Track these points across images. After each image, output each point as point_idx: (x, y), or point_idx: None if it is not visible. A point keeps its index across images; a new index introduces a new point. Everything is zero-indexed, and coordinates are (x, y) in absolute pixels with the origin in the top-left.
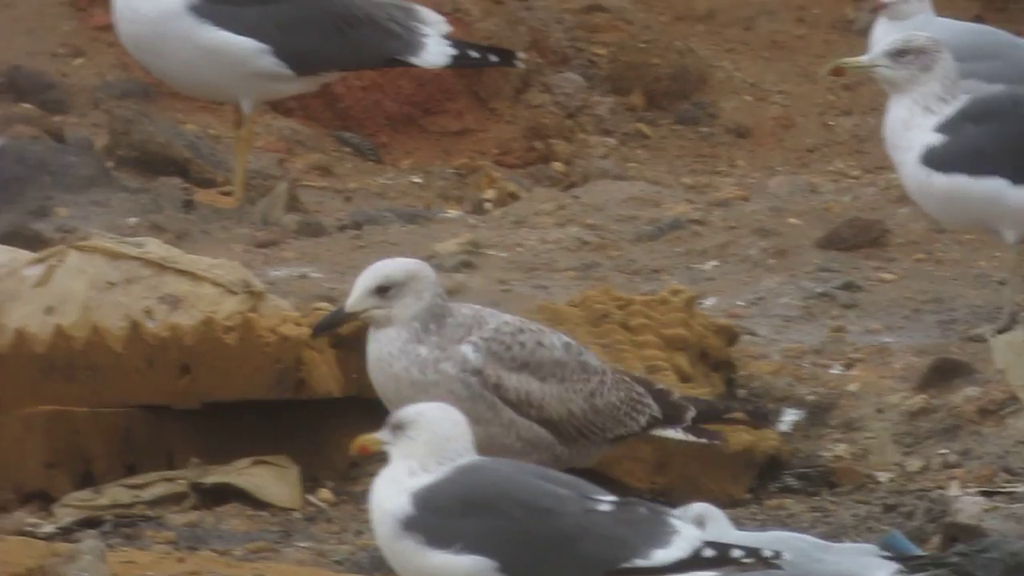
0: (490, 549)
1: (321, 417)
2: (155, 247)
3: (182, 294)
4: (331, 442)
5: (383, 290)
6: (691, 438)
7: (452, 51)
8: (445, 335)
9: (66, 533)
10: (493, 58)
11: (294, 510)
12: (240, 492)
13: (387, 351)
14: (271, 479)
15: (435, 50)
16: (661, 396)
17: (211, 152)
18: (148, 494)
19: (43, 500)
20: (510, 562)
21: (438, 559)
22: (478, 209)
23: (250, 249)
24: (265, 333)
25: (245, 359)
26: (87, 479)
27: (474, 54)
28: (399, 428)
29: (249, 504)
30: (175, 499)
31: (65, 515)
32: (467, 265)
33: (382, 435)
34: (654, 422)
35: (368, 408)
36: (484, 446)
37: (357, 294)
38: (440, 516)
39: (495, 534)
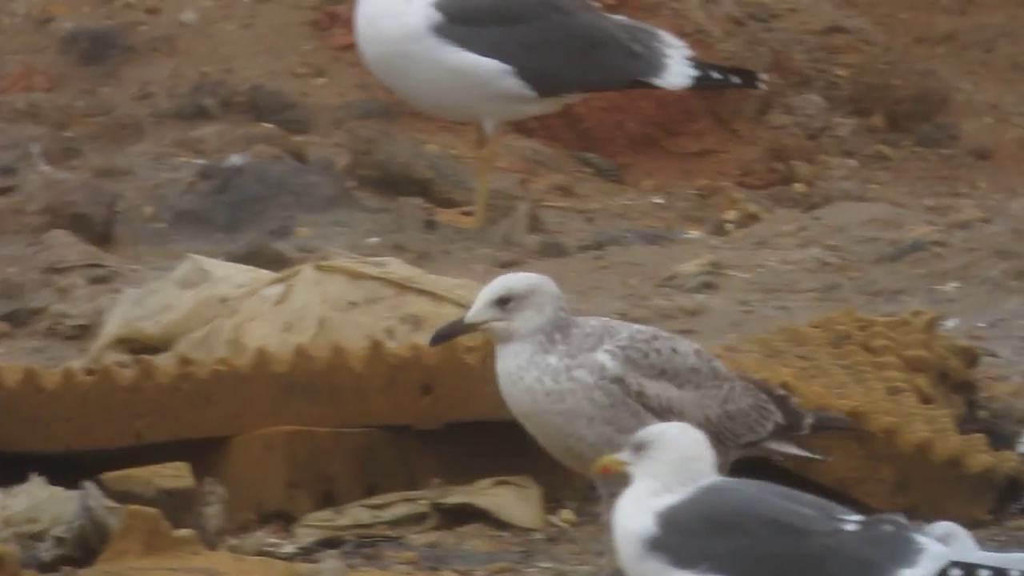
0: (736, 570)
1: None
2: (397, 267)
3: (424, 314)
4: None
5: (504, 302)
6: (804, 454)
7: (694, 72)
8: (573, 344)
9: (307, 553)
10: (735, 79)
11: (535, 530)
12: (481, 512)
13: (515, 364)
14: (513, 499)
15: (678, 71)
16: (782, 401)
17: (452, 172)
18: (389, 514)
19: (284, 520)
20: None
21: None
22: (719, 230)
23: (492, 269)
24: None
25: (486, 379)
26: (328, 499)
27: (716, 75)
28: (641, 448)
29: (490, 524)
30: (416, 519)
31: (306, 535)
32: (708, 286)
33: (624, 455)
34: (778, 428)
35: None
36: None
37: (478, 305)
38: (685, 536)
39: (741, 555)
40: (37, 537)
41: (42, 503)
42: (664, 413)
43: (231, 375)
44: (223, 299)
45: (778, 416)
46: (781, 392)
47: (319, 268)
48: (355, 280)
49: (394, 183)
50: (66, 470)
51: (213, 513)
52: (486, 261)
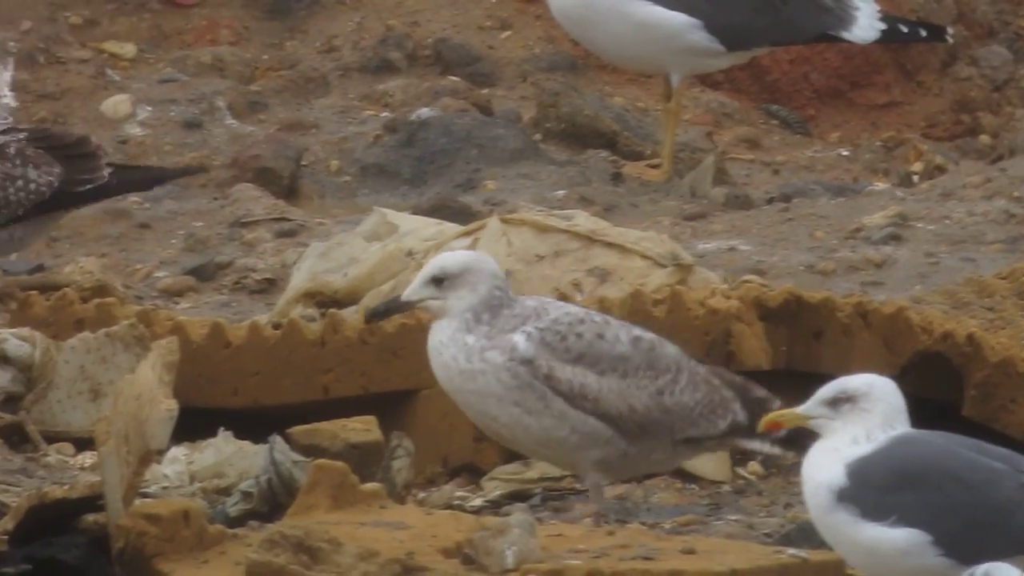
0: (924, 523)
1: None
2: (583, 220)
3: (611, 267)
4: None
5: (438, 281)
6: (776, 451)
7: (883, 26)
8: (497, 325)
9: (495, 507)
10: (923, 33)
11: (723, 483)
12: None
13: (437, 340)
14: None
15: (866, 25)
16: (758, 403)
17: (639, 125)
18: None
19: (472, 473)
20: (944, 536)
21: (871, 532)
22: (905, 182)
23: (678, 222)
24: (694, 306)
25: (674, 332)
26: (515, 452)
27: (904, 29)
28: (842, 401)
29: (678, 477)
30: None
31: (494, 488)
32: (894, 238)
33: (809, 409)
34: (737, 428)
35: (797, 381)
36: (540, 438)
37: (415, 284)
38: (874, 489)
39: (930, 507)
40: (224, 492)
41: (229, 458)
42: (576, 398)
43: (417, 329)
44: (409, 252)
45: (740, 416)
46: (760, 394)
47: (505, 221)
48: (542, 233)
49: (580, 136)
50: (253, 425)
51: (401, 467)
52: (672, 214)
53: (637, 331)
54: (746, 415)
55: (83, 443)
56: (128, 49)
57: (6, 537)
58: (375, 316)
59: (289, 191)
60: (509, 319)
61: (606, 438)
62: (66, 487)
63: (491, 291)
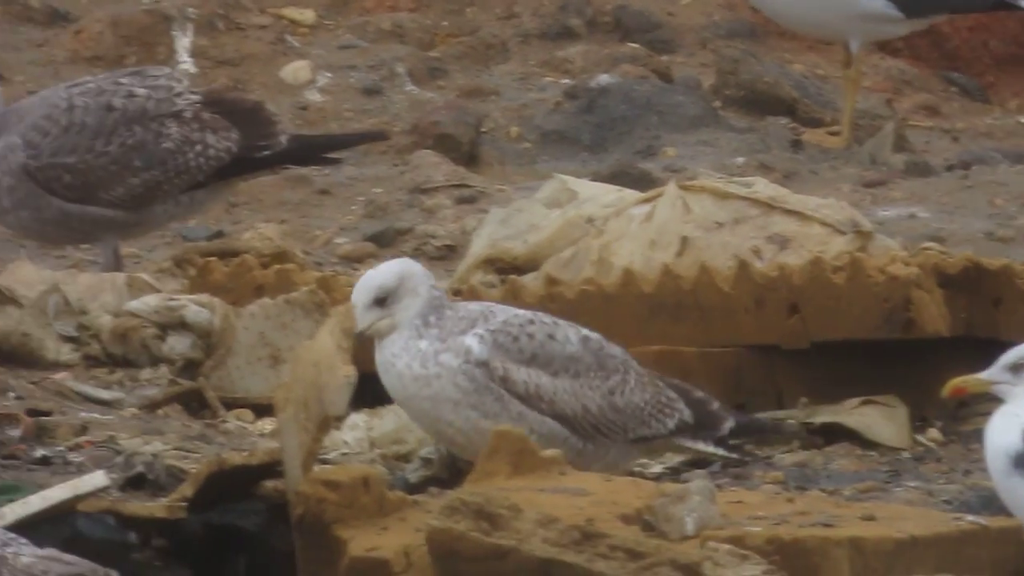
0: None
1: (929, 356)
2: (763, 187)
3: (790, 234)
4: (940, 382)
5: (380, 301)
6: (720, 451)
7: None
8: (445, 327)
9: (675, 473)
10: None
11: (903, 450)
12: (849, 432)
13: (390, 352)
14: (880, 419)
15: None
16: (699, 404)
17: (818, 92)
18: None
19: None
20: None
21: None
22: None
23: (857, 189)
24: (874, 273)
25: (854, 299)
26: None
27: None
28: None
29: (858, 444)
30: (785, 439)
31: (673, 455)
32: None
33: (992, 375)
34: (683, 427)
35: (977, 348)
36: None
37: (359, 313)
38: None
39: None
40: (403, 458)
41: (408, 424)
42: (532, 399)
43: (598, 295)
44: (589, 219)
45: (686, 415)
46: (700, 395)
47: (685, 188)
48: (721, 200)
49: (760, 103)
50: None
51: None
52: (852, 181)
53: (584, 331)
54: (691, 414)
55: (262, 409)
56: (307, 15)
57: (185, 504)
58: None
59: (469, 157)
60: (455, 321)
61: (563, 438)
62: (245, 454)
63: (430, 291)
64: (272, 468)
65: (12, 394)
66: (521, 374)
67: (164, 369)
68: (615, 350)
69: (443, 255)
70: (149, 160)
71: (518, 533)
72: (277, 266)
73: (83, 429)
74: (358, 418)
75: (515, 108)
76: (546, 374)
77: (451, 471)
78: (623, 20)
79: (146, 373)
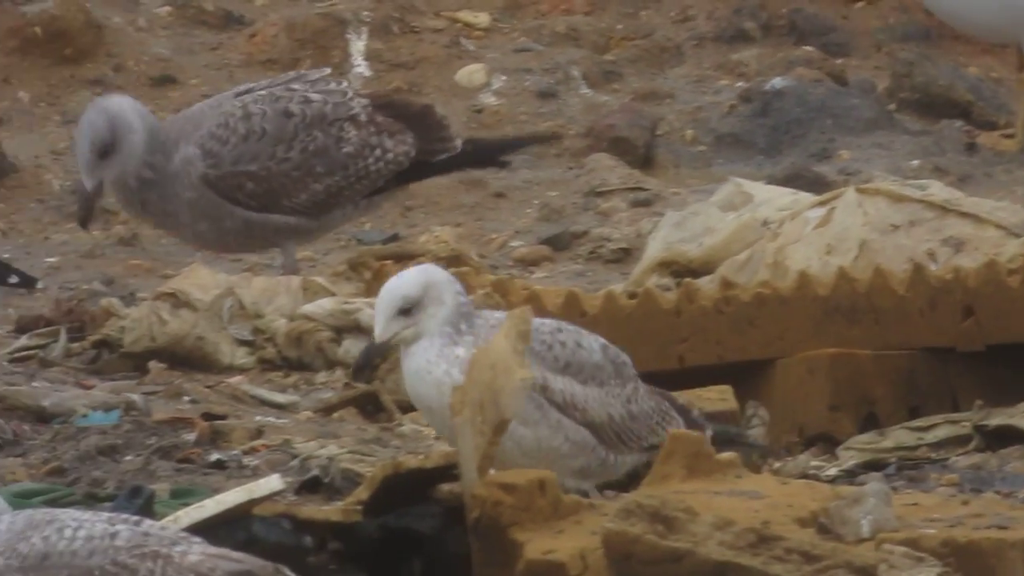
0: None
1: None
2: (938, 190)
3: (965, 237)
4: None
5: (405, 312)
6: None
7: None
8: (480, 335)
9: (850, 476)
10: None
11: None
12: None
13: (423, 360)
14: None
15: None
16: (682, 412)
17: (993, 95)
18: (932, 436)
19: (827, 443)
20: None
21: None
22: None
23: None
24: None
25: None
26: (870, 421)
27: None
28: None
29: None
30: (959, 441)
31: (849, 458)
32: None
33: None
34: None
35: None
36: (532, 449)
37: (382, 323)
38: None
39: None
40: None
41: None
42: (568, 408)
43: (773, 298)
44: (765, 222)
45: (680, 422)
46: (681, 402)
47: (861, 191)
48: (897, 202)
49: (934, 105)
50: None
51: (756, 436)
52: None
53: (602, 339)
54: (683, 421)
55: None
56: (482, 18)
57: (361, 507)
58: (359, 371)
59: (644, 160)
60: (488, 329)
61: (591, 447)
62: (421, 457)
63: (456, 298)
64: (448, 471)
65: (187, 398)
66: (558, 383)
67: (339, 372)
68: (626, 358)
69: (618, 258)
70: (331, 165)
71: (694, 536)
72: (453, 269)
73: (258, 433)
74: None
75: (690, 111)
76: (578, 383)
77: (627, 474)
78: (797, 23)
79: (321, 376)
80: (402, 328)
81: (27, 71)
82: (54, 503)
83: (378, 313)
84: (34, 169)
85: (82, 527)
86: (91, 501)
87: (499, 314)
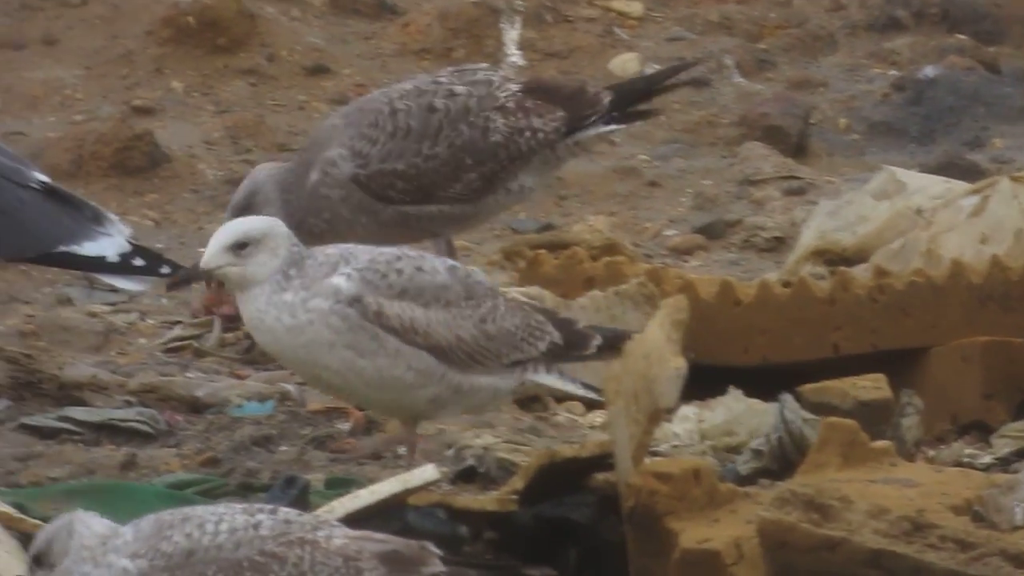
0: None
1: None
2: None
3: None
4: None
5: (240, 246)
6: (580, 391)
7: None
8: (307, 275)
9: (1004, 464)
10: None
11: None
12: None
13: (255, 308)
14: None
15: None
16: (565, 325)
17: None
18: None
19: (980, 431)
20: None
21: None
22: None
23: None
24: None
25: None
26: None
27: None
28: None
29: None
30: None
31: (1003, 446)
32: None
33: None
34: (554, 348)
35: None
36: (374, 380)
37: (213, 251)
38: None
39: None
40: (734, 450)
41: (739, 416)
42: (407, 333)
43: (927, 286)
44: (918, 210)
45: (555, 336)
46: (565, 316)
47: (1015, 179)
48: None
49: None
50: (762, 382)
51: (910, 424)
52: None
53: (450, 261)
54: (560, 336)
55: (592, 402)
56: (635, 7)
57: (516, 497)
58: (173, 286)
59: (797, 149)
60: (316, 267)
61: (440, 374)
62: (576, 446)
63: (290, 250)
64: (603, 460)
65: None
66: (394, 308)
67: None
68: (481, 277)
69: (772, 247)
70: (480, 156)
71: (849, 524)
72: (607, 258)
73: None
74: (688, 410)
75: (843, 100)
76: (418, 306)
77: (781, 463)
78: (950, 11)
79: None
80: (228, 263)
81: (180, 61)
82: (208, 494)
83: (213, 240)
84: (187, 159)
85: (223, 520)
86: (245, 492)
87: (331, 249)
